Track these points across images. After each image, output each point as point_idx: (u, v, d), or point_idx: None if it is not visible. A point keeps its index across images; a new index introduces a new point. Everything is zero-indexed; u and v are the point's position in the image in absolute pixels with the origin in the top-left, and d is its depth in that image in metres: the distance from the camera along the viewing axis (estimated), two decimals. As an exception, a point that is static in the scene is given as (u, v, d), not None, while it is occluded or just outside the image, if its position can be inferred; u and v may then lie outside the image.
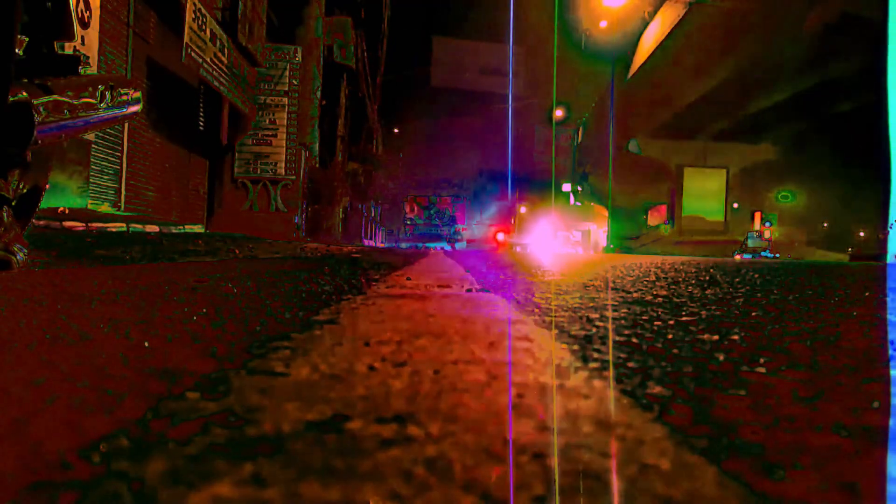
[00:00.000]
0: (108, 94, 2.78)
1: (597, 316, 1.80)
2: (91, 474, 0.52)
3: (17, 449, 0.57)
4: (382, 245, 33.91)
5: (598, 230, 28.23)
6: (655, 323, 1.67)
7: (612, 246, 29.67)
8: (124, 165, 9.74)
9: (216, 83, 11.59)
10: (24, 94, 2.26)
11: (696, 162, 31.74)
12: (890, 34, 20.45)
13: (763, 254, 23.09)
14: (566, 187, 37.43)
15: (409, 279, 3.11)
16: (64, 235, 5.43)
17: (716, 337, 1.43)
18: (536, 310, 1.95)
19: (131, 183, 10.00)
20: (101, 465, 0.54)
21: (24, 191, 2.52)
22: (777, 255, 23.07)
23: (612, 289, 2.98)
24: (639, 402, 0.82)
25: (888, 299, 2.82)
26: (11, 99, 2.20)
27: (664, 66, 30.57)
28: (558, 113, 46.01)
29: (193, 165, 12.85)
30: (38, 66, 2.47)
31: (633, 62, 34.32)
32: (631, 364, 1.07)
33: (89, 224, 7.10)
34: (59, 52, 2.66)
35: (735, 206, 29.67)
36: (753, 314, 1.96)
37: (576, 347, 1.22)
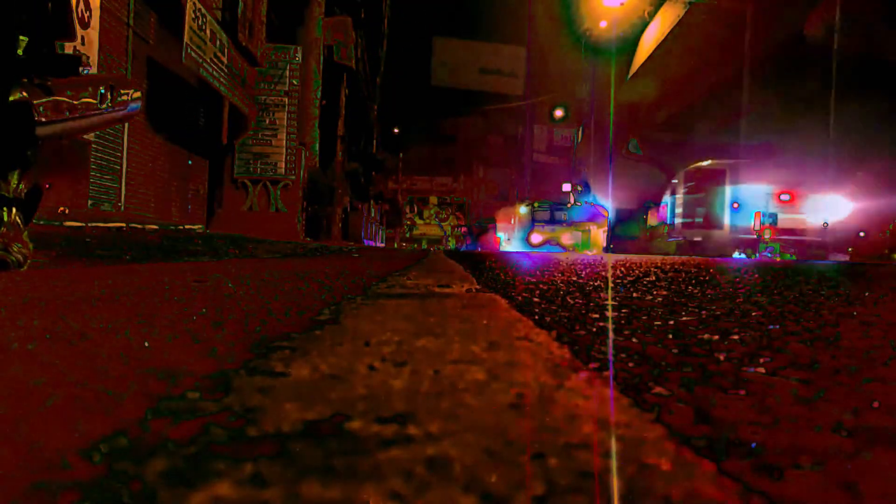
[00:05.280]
0: (108, 94, 2.78)
1: (597, 316, 1.81)
2: (91, 474, 0.52)
3: (17, 449, 0.57)
4: (383, 245, 33.90)
5: (599, 230, 28.20)
6: (655, 323, 1.67)
7: (611, 246, 29.69)
8: (124, 165, 9.74)
9: (216, 83, 11.59)
10: (24, 94, 2.27)
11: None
12: None
13: (764, 254, 23.07)
14: (566, 187, 37.49)
15: (409, 279, 3.11)
16: (64, 235, 5.43)
17: (716, 337, 1.43)
18: (537, 310, 1.95)
19: (131, 183, 9.99)
20: (101, 465, 0.54)
21: (24, 191, 2.52)
22: (778, 255, 23.04)
23: (613, 289, 2.98)
24: (639, 402, 0.82)
25: (889, 299, 2.82)
26: (11, 99, 2.20)
27: (664, 65, 30.57)
28: (558, 113, 46.04)
29: (193, 165, 12.85)
30: (38, 66, 2.47)
31: (633, 62, 34.34)
32: (631, 364, 1.08)
33: (89, 224, 7.10)
34: (59, 52, 2.66)
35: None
36: (753, 314, 1.96)
37: (577, 348, 1.22)
